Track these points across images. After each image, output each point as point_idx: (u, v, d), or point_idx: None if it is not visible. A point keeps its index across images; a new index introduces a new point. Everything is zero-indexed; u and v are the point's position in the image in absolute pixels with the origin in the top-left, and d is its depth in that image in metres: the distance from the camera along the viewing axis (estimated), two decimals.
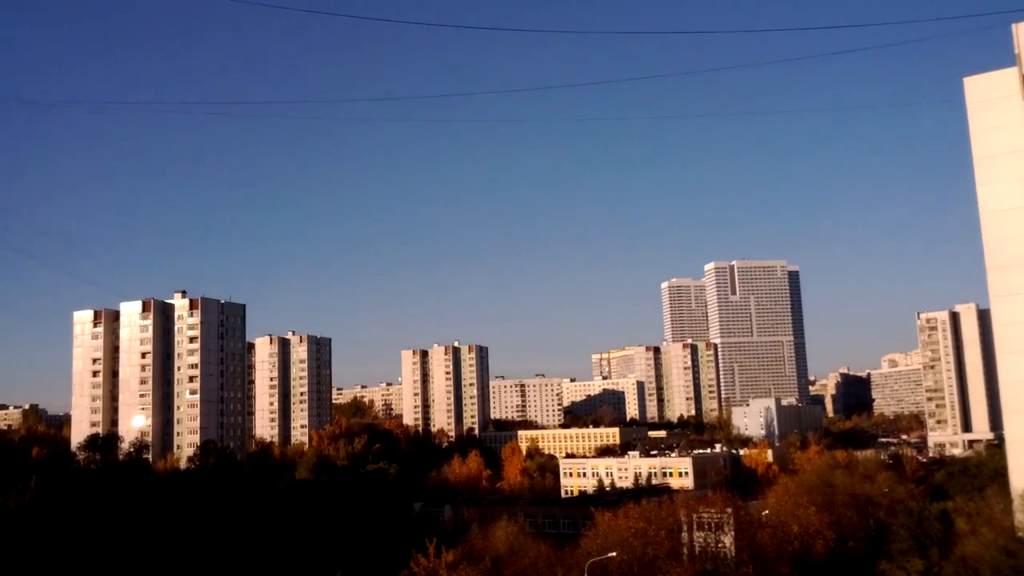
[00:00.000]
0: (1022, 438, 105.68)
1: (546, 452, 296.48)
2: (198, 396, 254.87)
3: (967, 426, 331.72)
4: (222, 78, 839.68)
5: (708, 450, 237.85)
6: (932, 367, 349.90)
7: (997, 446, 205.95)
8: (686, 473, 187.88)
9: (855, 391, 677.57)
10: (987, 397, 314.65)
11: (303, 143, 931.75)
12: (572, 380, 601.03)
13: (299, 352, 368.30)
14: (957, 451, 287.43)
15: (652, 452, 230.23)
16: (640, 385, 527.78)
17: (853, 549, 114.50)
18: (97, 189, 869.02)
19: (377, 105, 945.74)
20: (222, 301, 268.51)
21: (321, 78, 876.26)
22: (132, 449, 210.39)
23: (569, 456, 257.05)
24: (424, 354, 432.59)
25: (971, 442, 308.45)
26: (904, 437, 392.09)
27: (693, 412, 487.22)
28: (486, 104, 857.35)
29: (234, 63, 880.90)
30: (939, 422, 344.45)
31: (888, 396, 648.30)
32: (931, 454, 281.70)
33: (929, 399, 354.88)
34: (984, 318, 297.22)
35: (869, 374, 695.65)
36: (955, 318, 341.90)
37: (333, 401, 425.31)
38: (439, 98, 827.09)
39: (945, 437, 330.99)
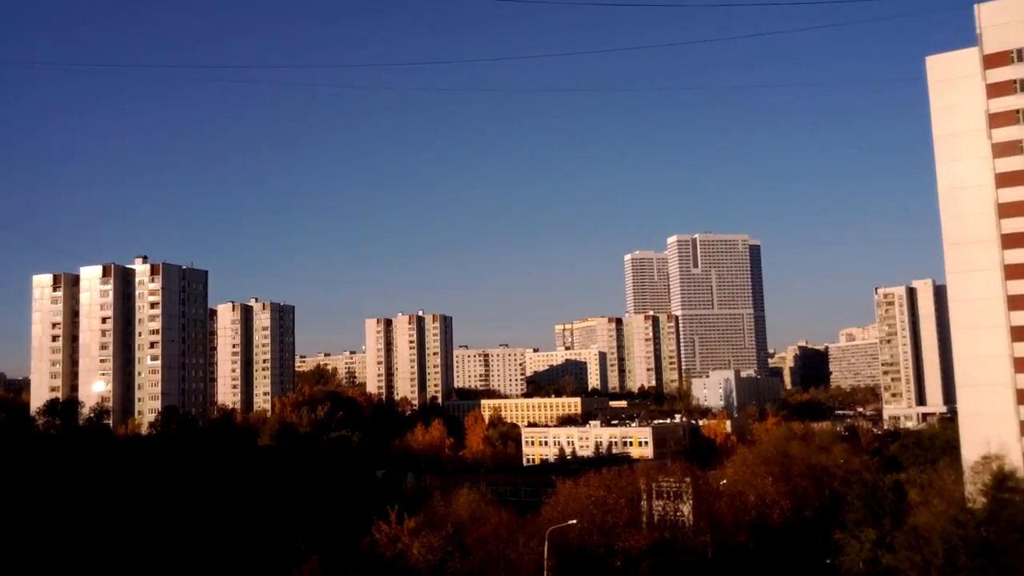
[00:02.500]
0: (974, 411, 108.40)
1: (509, 421, 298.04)
2: (159, 362, 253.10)
3: (921, 399, 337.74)
4: (191, 39, 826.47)
5: (668, 420, 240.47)
6: (888, 341, 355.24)
7: (950, 419, 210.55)
8: (646, 443, 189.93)
9: (813, 364, 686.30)
10: (941, 371, 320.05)
11: (267, 109, 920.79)
12: (535, 350, 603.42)
13: (262, 319, 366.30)
14: (911, 424, 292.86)
15: (613, 422, 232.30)
16: (602, 356, 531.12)
17: (808, 519, 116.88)
18: (58, 152, 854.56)
19: (341, 71, 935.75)
20: (184, 267, 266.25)
21: (287, 43, 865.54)
22: (92, 414, 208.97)
23: (531, 425, 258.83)
24: (388, 323, 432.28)
25: (925, 415, 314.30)
26: (860, 410, 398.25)
27: (654, 383, 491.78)
28: (451, 73, 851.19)
29: (202, 25, 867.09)
30: (894, 395, 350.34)
31: (845, 369, 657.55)
32: (886, 426, 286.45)
33: (885, 372, 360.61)
34: (940, 294, 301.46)
35: (827, 347, 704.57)
36: (912, 293, 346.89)
37: (296, 369, 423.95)
38: (406, 66, 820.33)
39: (900, 410, 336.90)
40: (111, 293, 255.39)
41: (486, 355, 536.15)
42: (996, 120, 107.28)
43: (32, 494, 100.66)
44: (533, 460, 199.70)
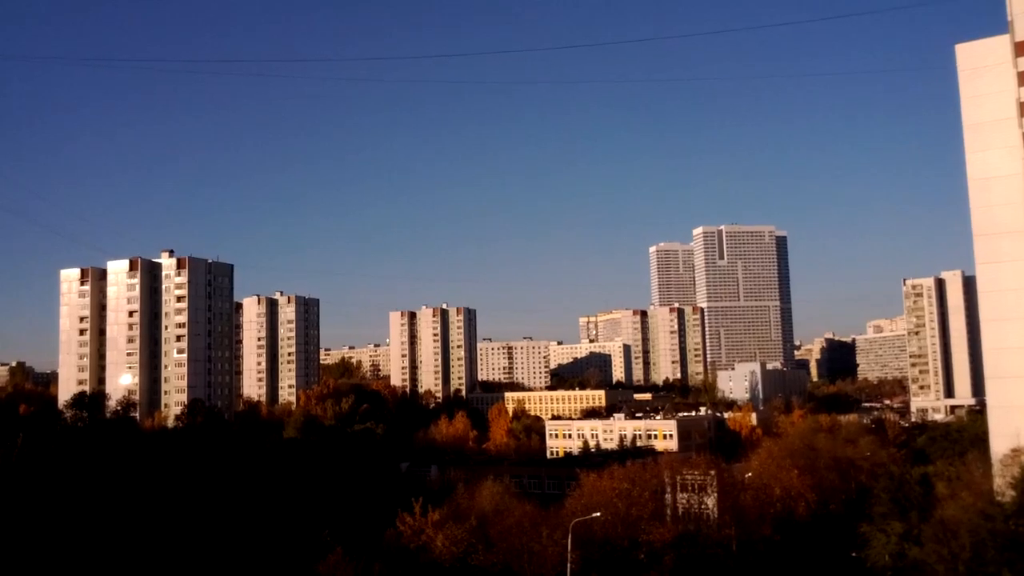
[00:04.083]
0: (1003, 403, 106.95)
1: (532, 414, 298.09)
2: (185, 355, 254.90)
3: (950, 392, 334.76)
4: (215, 35, 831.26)
5: (693, 413, 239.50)
6: (917, 333, 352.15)
7: (979, 412, 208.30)
8: (670, 435, 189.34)
9: (840, 356, 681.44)
10: (970, 363, 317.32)
11: (292, 103, 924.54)
12: (559, 343, 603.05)
13: (287, 312, 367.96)
14: (939, 416, 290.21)
15: (637, 414, 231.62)
16: (627, 348, 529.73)
17: (834, 511, 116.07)
18: (84, 147, 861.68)
19: (367, 65, 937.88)
20: (210, 261, 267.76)
21: (313, 36, 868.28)
22: (119, 407, 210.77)
23: (555, 418, 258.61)
24: (412, 316, 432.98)
25: (953, 407, 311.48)
26: (887, 402, 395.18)
27: (678, 375, 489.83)
28: (480, 65, 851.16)
29: (227, 20, 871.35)
30: (922, 387, 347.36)
31: (872, 361, 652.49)
32: (913, 419, 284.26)
33: (913, 365, 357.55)
34: (969, 285, 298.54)
35: (854, 339, 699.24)
36: (941, 285, 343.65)
37: (321, 362, 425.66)
38: (432, 59, 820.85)
39: (928, 402, 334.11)
40: (138, 287, 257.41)
41: (510, 348, 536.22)
42: None
43: (60, 486, 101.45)
44: (557, 453, 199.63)
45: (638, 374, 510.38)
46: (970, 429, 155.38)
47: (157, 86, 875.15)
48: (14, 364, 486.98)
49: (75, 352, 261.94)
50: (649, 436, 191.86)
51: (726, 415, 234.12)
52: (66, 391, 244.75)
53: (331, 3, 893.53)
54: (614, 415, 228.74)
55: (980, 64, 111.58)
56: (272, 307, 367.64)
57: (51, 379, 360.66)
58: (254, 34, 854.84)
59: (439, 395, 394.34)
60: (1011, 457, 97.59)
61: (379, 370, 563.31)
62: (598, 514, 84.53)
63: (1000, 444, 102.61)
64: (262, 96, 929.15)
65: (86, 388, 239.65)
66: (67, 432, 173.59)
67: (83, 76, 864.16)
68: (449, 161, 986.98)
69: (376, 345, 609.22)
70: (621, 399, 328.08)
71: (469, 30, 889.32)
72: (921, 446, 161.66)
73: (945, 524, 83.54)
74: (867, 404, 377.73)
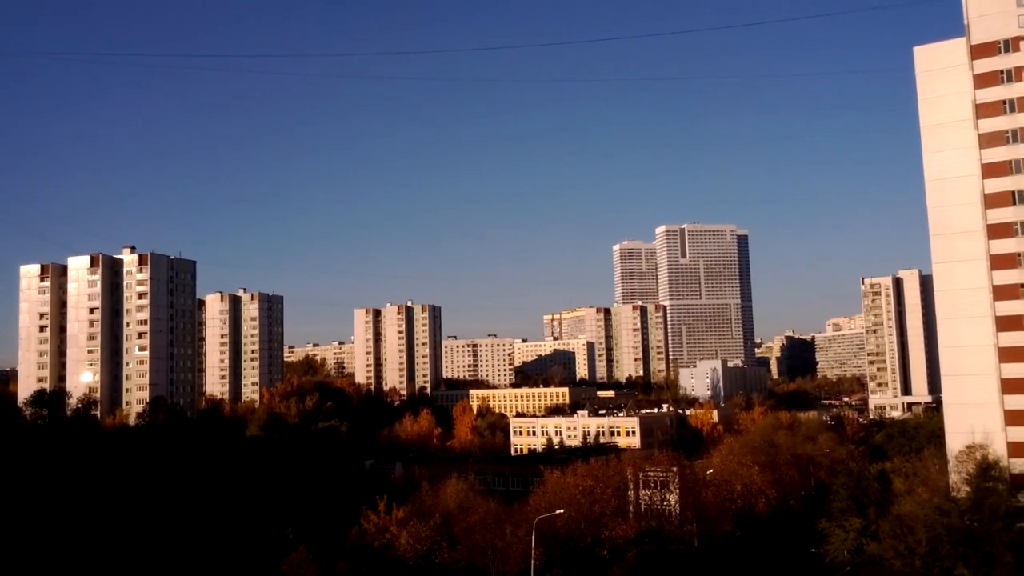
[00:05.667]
0: (959, 401, 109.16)
1: (497, 411, 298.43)
2: (147, 352, 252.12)
3: (907, 389, 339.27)
4: (178, 30, 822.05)
5: (655, 410, 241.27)
6: (875, 331, 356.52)
7: (935, 409, 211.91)
8: (633, 432, 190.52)
9: (799, 354, 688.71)
10: (927, 361, 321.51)
11: (255, 99, 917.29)
12: (524, 340, 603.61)
13: (250, 309, 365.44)
14: (897, 413, 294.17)
15: (601, 412, 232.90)
16: (590, 346, 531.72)
17: (794, 507, 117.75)
18: (47, 142, 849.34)
19: (328, 61, 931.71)
20: (172, 257, 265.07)
21: (274, 34, 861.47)
22: (80, 405, 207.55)
23: (519, 415, 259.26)
24: (377, 313, 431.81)
25: (910, 405, 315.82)
26: (846, 399, 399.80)
27: (641, 373, 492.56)
28: (438, 63, 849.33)
29: (195, 16, 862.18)
30: (880, 385, 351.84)
31: (831, 359, 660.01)
32: (872, 416, 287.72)
33: (871, 362, 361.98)
34: (927, 284, 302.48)
35: (813, 337, 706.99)
36: (898, 284, 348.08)
37: (285, 359, 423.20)
38: (393, 55, 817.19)
39: (885, 400, 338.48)
40: (99, 283, 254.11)
41: (475, 345, 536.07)
42: (983, 110, 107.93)
43: (19, 485, 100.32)
44: (521, 450, 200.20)
45: (602, 371, 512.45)
46: (927, 426, 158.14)
47: (120, 83, 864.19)
48: None
49: (35, 349, 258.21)
50: (612, 433, 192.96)
51: (688, 412, 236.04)
52: (26, 389, 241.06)
53: (294, 3, 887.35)
54: (578, 412, 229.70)
55: (937, 66, 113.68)
56: (235, 304, 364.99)
57: (10, 377, 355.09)
58: (222, 31, 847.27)
59: (404, 393, 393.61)
60: (966, 453, 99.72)
61: (344, 368, 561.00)
62: (562, 511, 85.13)
63: (956, 441, 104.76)
64: (227, 93, 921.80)
65: (46, 386, 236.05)
66: (26, 430, 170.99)
67: (46, 71, 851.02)
68: (414, 159, 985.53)
69: (340, 343, 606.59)
70: (585, 396, 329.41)
71: (432, 28, 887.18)
72: (879, 443, 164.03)
73: (902, 520, 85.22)
74: (826, 401, 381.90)
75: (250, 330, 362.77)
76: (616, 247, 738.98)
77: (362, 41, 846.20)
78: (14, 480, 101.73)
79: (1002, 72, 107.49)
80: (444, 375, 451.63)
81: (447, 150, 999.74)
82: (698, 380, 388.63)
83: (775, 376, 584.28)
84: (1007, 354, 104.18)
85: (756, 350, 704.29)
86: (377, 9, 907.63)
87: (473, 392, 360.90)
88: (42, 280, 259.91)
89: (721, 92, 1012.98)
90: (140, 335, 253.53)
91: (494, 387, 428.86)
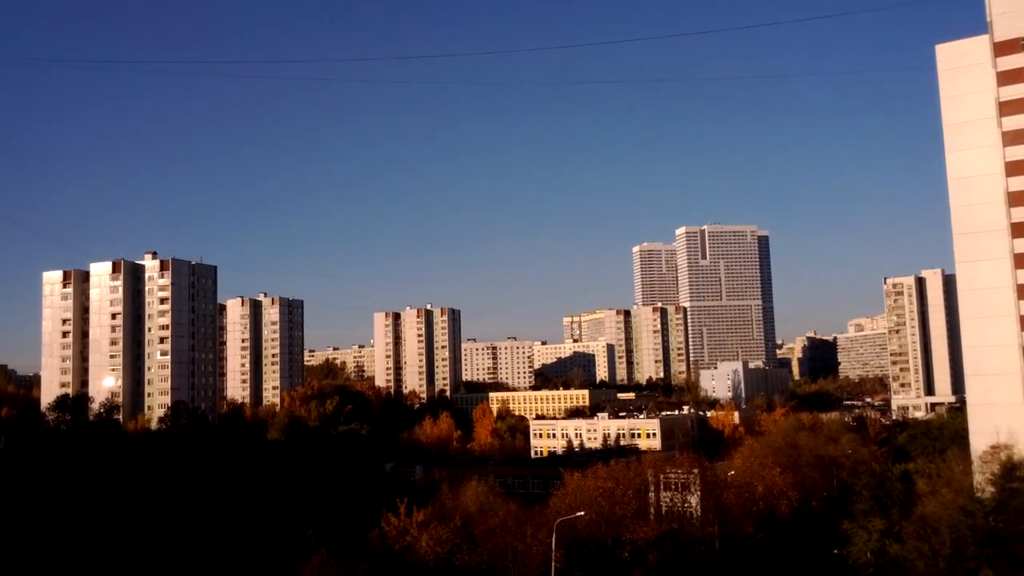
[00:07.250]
0: (983, 401, 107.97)
1: (516, 414, 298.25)
2: (169, 357, 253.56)
3: (930, 389, 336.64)
4: (200, 37, 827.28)
5: (676, 412, 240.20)
6: (897, 331, 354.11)
7: (959, 409, 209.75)
8: (654, 434, 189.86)
9: (821, 355, 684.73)
10: (950, 361, 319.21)
11: (276, 105, 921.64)
12: (543, 343, 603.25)
13: (271, 314, 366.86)
14: (920, 414, 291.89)
15: (621, 414, 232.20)
16: (610, 348, 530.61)
17: (816, 509, 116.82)
18: (67, 149, 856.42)
19: (345, 66, 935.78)
20: (193, 262, 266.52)
21: (291, 38, 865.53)
22: (102, 410, 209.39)
23: (539, 418, 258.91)
24: (396, 316, 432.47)
25: (933, 405, 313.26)
26: (868, 400, 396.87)
27: (662, 374, 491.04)
28: (457, 67, 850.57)
29: (210, 22, 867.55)
30: (903, 385, 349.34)
31: (854, 360, 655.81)
32: (894, 417, 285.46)
33: (894, 363, 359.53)
34: (950, 284, 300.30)
35: (835, 338, 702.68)
36: (921, 283, 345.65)
37: (305, 363, 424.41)
38: (411, 60, 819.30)
39: (908, 400, 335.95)
40: (121, 289, 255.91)
41: (494, 348, 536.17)
42: (1006, 108, 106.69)
43: (43, 490, 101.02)
44: (541, 452, 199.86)
45: (621, 373, 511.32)
46: (950, 426, 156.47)
47: (140, 89, 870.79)
48: None
49: (58, 355, 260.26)
50: (632, 435, 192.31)
51: (709, 414, 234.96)
52: (49, 394, 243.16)
53: (315, 5, 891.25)
54: (598, 414, 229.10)
55: (960, 64, 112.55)
56: (256, 308, 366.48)
57: (34, 382, 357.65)
58: (239, 37, 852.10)
59: (423, 396, 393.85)
60: (990, 454, 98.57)
61: (363, 371, 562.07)
62: (582, 513, 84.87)
63: (980, 441, 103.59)
64: (246, 98, 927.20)
65: (69, 391, 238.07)
66: (50, 435, 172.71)
67: (67, 79, 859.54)
68: (434, 163, 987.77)
69: (360, 346, 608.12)
70: (605, 398, 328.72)
71: (451, 32, 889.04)
72: (902, 444, 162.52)
73: (926, 521, 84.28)
74: (848, 402, 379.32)
75: (270, 334, 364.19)
76: (636, 249, 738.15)
77: (372, 46, 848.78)
78: (38, 484, 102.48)
79: None
80: (463, 378, 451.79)
81: (465, 154, 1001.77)
82: (719, 382, 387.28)
83: (797, 377, 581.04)
84: None
85: (777, 351, 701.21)
86: (389, 14, 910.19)
87: (493, 395, 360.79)
88: (64, 286, 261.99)
89: (742, 93, 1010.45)
90: (162, 340, 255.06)
91: (514, 390, 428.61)
